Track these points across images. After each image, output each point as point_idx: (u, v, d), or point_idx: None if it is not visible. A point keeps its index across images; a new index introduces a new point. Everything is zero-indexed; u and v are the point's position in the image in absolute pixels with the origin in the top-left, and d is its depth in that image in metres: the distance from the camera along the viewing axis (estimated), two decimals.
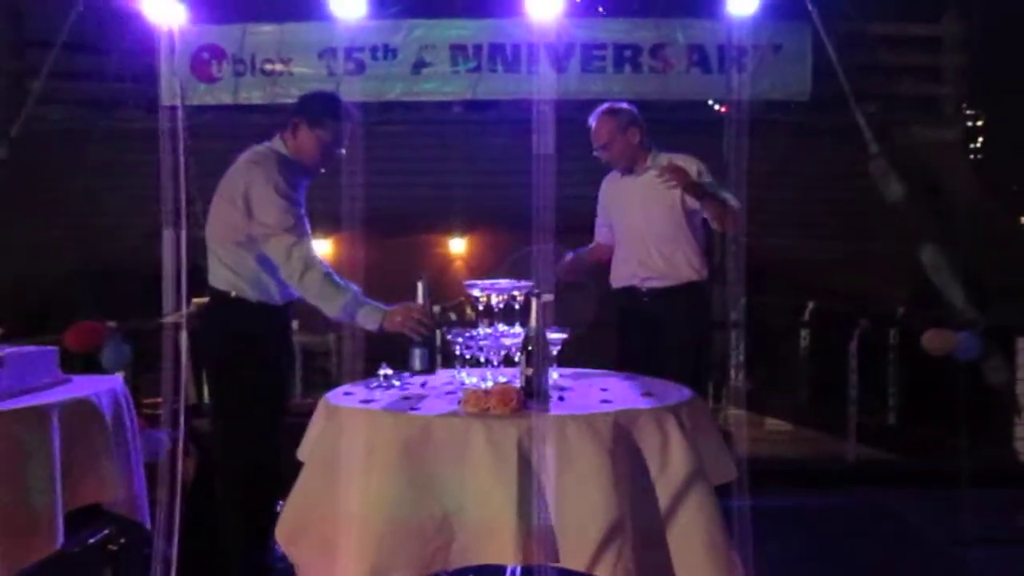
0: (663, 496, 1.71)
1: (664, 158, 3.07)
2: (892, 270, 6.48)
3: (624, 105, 3.17)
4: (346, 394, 2.05)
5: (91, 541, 2.63)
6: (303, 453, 2.05)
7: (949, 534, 3.19)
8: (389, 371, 2.14)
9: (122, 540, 2.69)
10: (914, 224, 6.27)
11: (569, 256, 3.26)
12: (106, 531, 2.66)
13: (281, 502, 2.22)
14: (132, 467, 2.46)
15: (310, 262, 2.41)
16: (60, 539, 2.09)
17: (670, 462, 1.71)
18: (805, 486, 3.85)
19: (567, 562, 1.64)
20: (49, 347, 2.48)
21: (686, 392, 1.98)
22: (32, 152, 6.76)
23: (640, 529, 1.65)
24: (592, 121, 3.13)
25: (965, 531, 3.18)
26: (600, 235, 3.32)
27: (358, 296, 2.40)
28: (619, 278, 3.17)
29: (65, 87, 7.06)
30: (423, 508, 1.66)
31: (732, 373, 6.35)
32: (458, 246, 7.58)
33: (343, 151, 2.66)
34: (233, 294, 2.54)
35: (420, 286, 2.19)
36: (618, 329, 3.18)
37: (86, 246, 6.61)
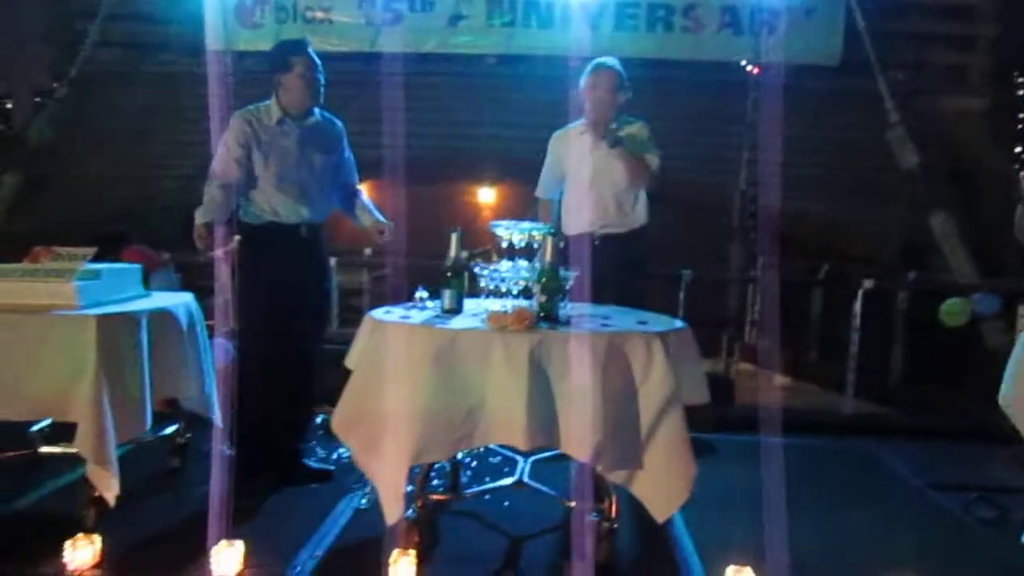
0: (643, 404, 2.07)
1: (625, 124, 3.35)
2: (907, 235, 6.64)
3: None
4: (387, 312, 2.41)
5: (163, 433, 3.06)
6: (351, 361, 2.42)
7: (927, 480, 3.46)
8: (425, 294, 2.49)
9: (188, 435, 3.12)
10: (930, 192, 6.39)
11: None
12: (176, 426, 3.09)
13: (331, 409, 2.55)
14: (203, 370, 2.87)
15: (211, 191, 2.87)
16: (149, 423, 2.50)
17: (651, 378, 2.08)
18: (797, 431, 4.10)
19: (565, 449, 2.02)
20: (135, 264, 2.87)
21: (676, 323, 2.31)
22: (86, 92, 7.10)
23: (622, 428, 2.01)
24: (599, 67, 3.31)
25: (941, 478, 3.46)
26: (547, 191, 3.55)
27: (212, 201, 2.83)
28: (574, 226, 3.41)
29: (117, 28, 7.32)
30: (453, 403, 2.06)
31: (746, 330, 6.62)
32: (488, 196, 7.84)
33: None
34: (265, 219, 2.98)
35: (454, 237, 2.49)
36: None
37: (134, 184, 6.97)
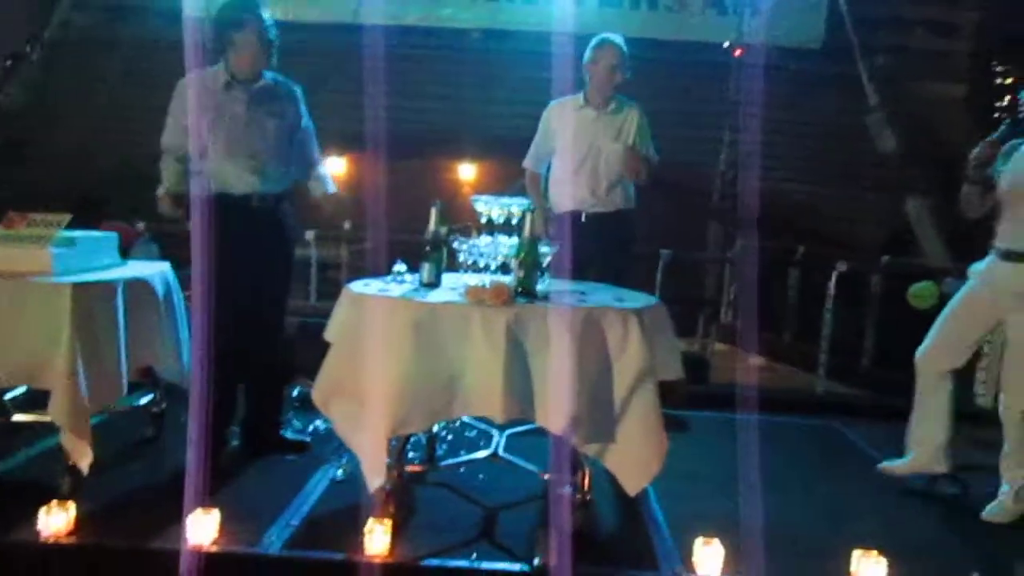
0: (617, 379, 2.11)
1: (624, 105, 3.39)
2: (882, 219, 6.73)
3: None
4: (365, 284, 2.42)
5: (139, 403, 3.06)
6: (330, 334, 2.43)
7: (893, 458, 3.54)
8: (403, 267, 2.49)
9: (164, 405, 3.12)
10: (906, 176, 6.48)
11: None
12: (151, 396, 3.08)
13: (308, 381, 2.54)
14: (180, 340, 2.86)
15: (168, 165, 2.89)
16: (124, 391, 2.50)
17: (627, 353, 2.11)
18: (769, 410, 4.15)
19: (540, 421, 2.05)
20: (111, 232, 2.84)
21: (652, 299, 2.34)
22: (62, 57, 6.95)
23: (597, 402, 2.05)
24: (601, 42, 3.31)
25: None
26: (537, 163, 3.50)
27: (173, 175, 2.86)
28: (562, 203, 3.40)
29: None
30: (432, 374, 2.10)
31: (722, 310, 6.69)
32: (468, 172, 7.81)
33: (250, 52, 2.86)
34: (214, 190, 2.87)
35: (433, 210, 2.48)
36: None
37: (111, 151, 6.85)
